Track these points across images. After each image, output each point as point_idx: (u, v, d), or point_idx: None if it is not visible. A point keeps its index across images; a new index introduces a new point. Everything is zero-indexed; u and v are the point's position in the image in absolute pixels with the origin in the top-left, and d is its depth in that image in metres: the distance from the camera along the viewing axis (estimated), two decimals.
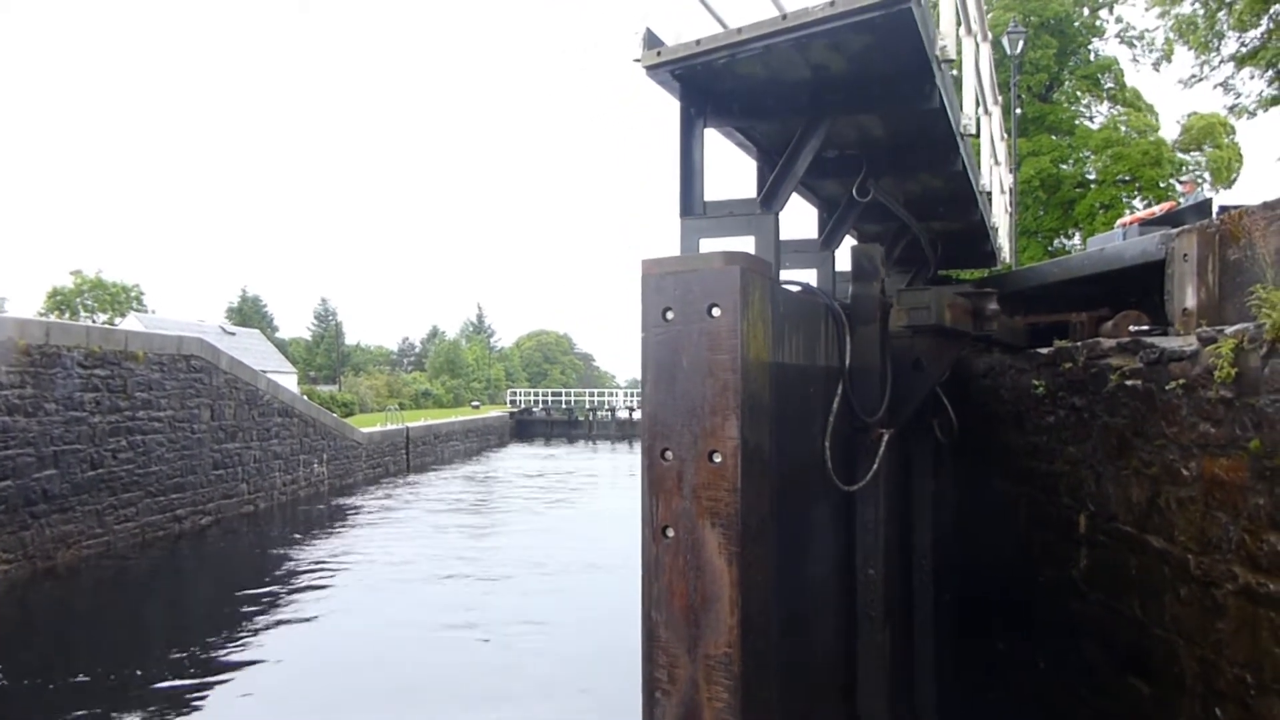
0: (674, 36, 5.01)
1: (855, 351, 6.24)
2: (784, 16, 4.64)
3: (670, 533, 4.07)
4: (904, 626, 8.11)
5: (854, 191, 6.73)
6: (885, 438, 6.29)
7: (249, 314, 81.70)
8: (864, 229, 9.55)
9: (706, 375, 4.00)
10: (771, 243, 5.53)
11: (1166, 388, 5.90)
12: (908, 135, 6.55)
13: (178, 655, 12.25)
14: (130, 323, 54.12)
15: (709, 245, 5.56)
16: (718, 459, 3.97)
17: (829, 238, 7.35)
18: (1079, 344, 7.68)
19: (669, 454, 4.09)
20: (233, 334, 58.34)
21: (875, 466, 6.20)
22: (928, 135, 6.49)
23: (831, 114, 5.61)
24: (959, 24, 7.00)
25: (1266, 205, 6.09)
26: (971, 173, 7.84)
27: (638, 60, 4.98)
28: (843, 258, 7.33)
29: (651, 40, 4.95)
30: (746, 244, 5.63)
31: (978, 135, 8.38)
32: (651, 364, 4.16)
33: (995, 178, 10.61)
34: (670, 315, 4.08)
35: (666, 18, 4.96)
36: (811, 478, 5.68)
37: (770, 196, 5.64)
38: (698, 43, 4.92)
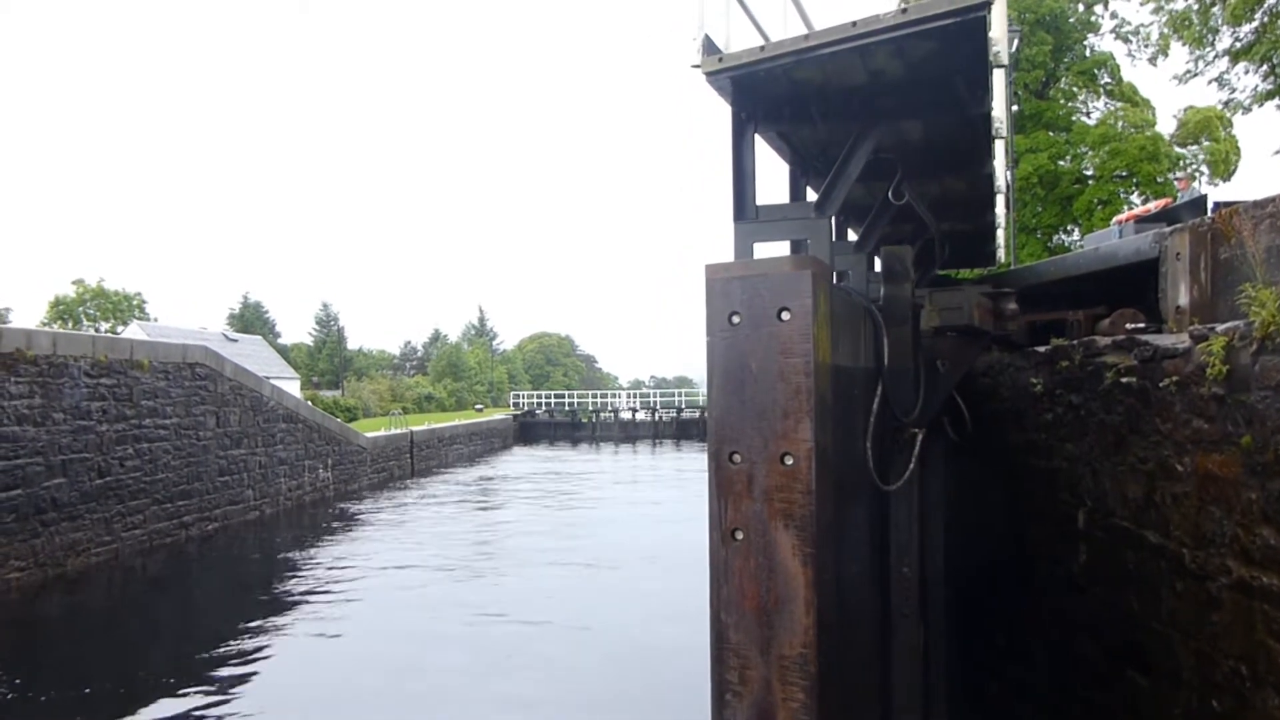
0: (722, 43, 5.08)
1: (890, 352, 6.28)
2: (854, 24, 4.71)
3: (739, 535, 4.08)
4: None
5: (890, 194, 6.80)
6: (919, 437, 6.35)
7: (251, 320, 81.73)
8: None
9: (777, 378, 4.02)
10: (826, 247, 5.57)
11: (1160, 385, 6.00)
12: (944, 139, 6.57)
13: (187, 664, 12.32)
14: (133, 331, 54.25)
15: (762, 250, 5.63)
16: (789, 461, 3.99)
17: (863, 240, 7.42)
18: (1075, 342, 7.77)
19: (737, 457, 4.11)
20: (235, 340, 58.42)
21: (912, 466, 6.23)
22: (966, 139, 6.53)
23: (885, 119, 5.66)
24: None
25: (1256, 204, 6.19)
26: (997, 174, 7.93)
27: (696, 66, 5.02)
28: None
29: (709, 47, 4.99)
30: (784, 248, 5.71)
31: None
32: (718, 368, 4.18)
33: (1002, 177, 10.72)
34: (737, 319, 4.11)
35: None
36: (855, 477, 5.72)
37: (824, 201, 5.68)
38: (761, 48, 4.96)
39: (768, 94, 5.55)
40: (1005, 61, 5.62)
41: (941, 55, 4.98)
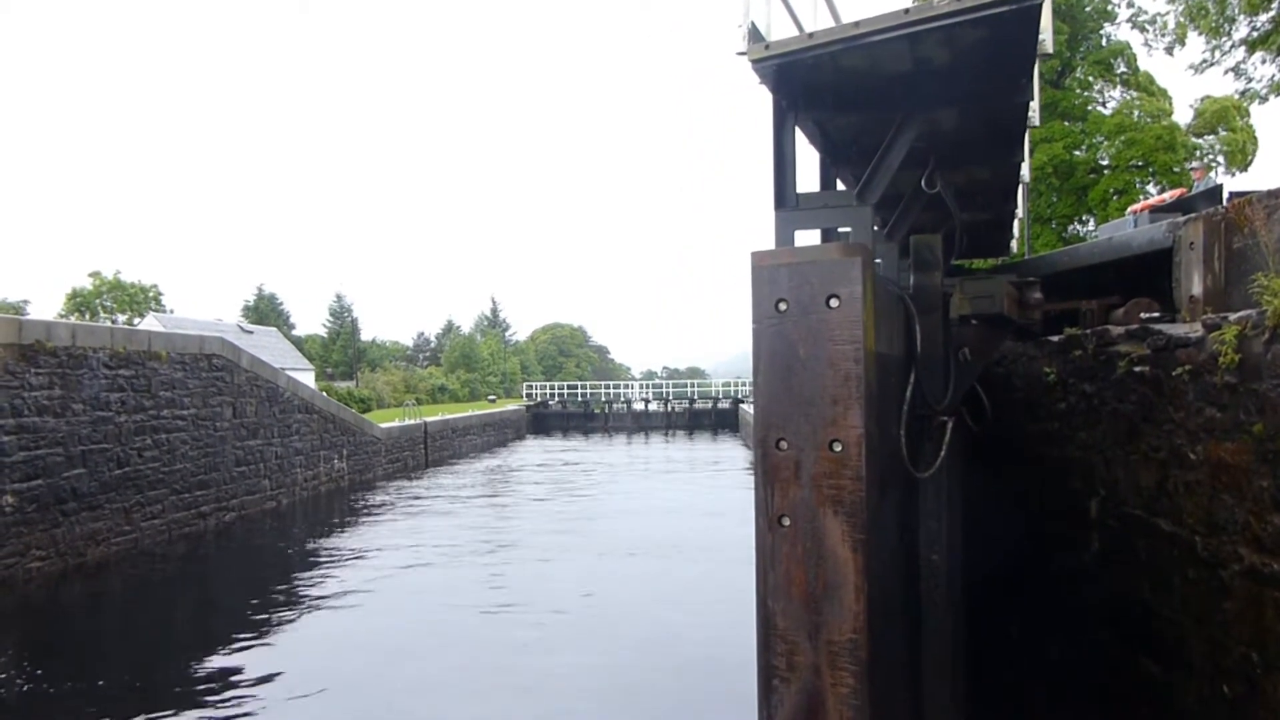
0: (763, 30, 5.10)
1: (922, 340, 6.28)
2: (906, 11, 4.72)
3: (786, 521, 4.08)
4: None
5: (923, 183, 6.81)
6: (949, 425, 6.36)
7: (265, 312, 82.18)
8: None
9: (826, 366, 4.02)
10: (868, 235, 5.56)
11: (1173, 374, 6.02)
12: (977, 127, 6.55)
13: (204, 655, 12.42)
14: (149, 323, 54.63)
15: (803, 238, 5.64)
16: (838, 448, 4.00)
17: (893, 228, 7.44)
18: (1089, 331, 7.79)
19: (784, 444, 4.11)
20: (250, 332, 58.76)
21: (943, 453, 6.23)
22: (1000, 127, 6.51)
23: (925, 107, 5.66)
24: None
25: (1269, 194, 6.20)
26: (1024, 164, 7.90)
27: (741, 53, 5.03)
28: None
29: (755, 35, 5.01)
30: (813, 237, 5.72)
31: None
32: (764, 355, 4.17)
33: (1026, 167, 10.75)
34: (783, 306, 4.11)
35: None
36: (892, 465, 5.74)
37: (865, 189, 5.68)
38: (810, 35, 4.95)
39: (810, 82, 5.53)
40: (1050, 50, 5.61)
41: (990, 43, 4.97)
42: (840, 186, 7.10)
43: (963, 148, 7.01)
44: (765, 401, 4.19)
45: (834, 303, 4.01)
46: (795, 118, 5.69)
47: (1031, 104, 7.03)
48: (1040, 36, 5.43)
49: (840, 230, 6.21)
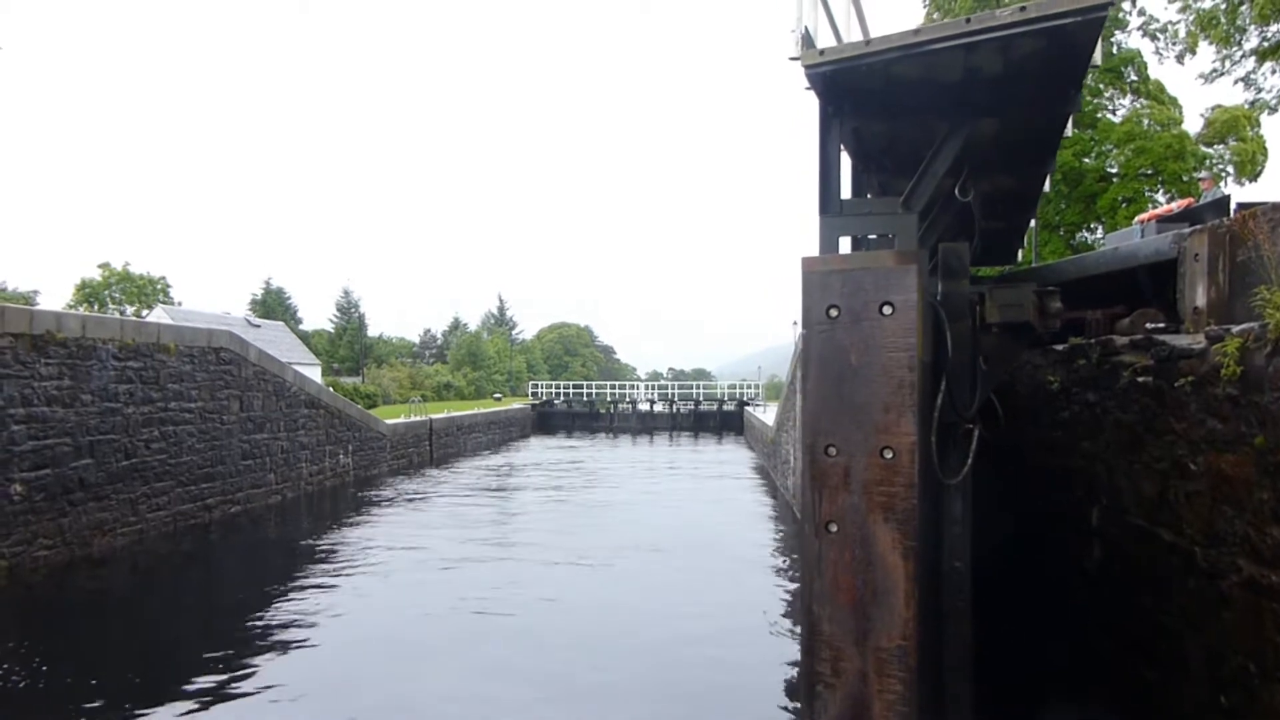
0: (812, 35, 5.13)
1: (952, 347, 6.30)
2: (968, 20, 4.73)
3: (834, 528, 4.07)
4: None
5: (956, 191, 6.84)
6: (975, 432, 6.39)
7: (273, 306, 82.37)
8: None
9: (879, 373, 4.02)
10: (913, 242, 5.56)
11: (1176, 385, 6.06)
12: (1015, 137, 6.52)
13: (207, 649, 12.42)
14: (157, 315, 54.81)
15: (848, 244, 5.63)
16: (889, 455, 4.00)
17: (924, 236, 7.48)
18: (1093, 340, 7.83)
19: (833, 450, 4.11)
20: (258, 326, 58.97)
21: (969, 461, 6.27)
22: (1037, 138, 6.47)
23: (972, 116, 5.65)
24: None
25: (1274, 207, 6.24)
26: (1049, 175, 7.87)
27: (795, 58, 5.07)
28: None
29: (808, 41, 5.03)
30: (845, 244, 5.74)
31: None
32: (814, 361, 4.16)
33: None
34: (834, 313, 4.11)
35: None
36: (927, 472, 5.77)
37: (911, 196, 5.69)
38: (867, 43, 4.97)
39: (859, 88, 5.52)
40: (1099, 61, 5.64)
41: (1046, 53, 4.95)
42: (866, 195, 7.12)
43: (997, 157, 7.00)
44: (814, 407, 4.16)
45: (887, 310, 4.00)
46: (841, 124, 5.70)
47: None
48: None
49: (870, 236, 6.22)
